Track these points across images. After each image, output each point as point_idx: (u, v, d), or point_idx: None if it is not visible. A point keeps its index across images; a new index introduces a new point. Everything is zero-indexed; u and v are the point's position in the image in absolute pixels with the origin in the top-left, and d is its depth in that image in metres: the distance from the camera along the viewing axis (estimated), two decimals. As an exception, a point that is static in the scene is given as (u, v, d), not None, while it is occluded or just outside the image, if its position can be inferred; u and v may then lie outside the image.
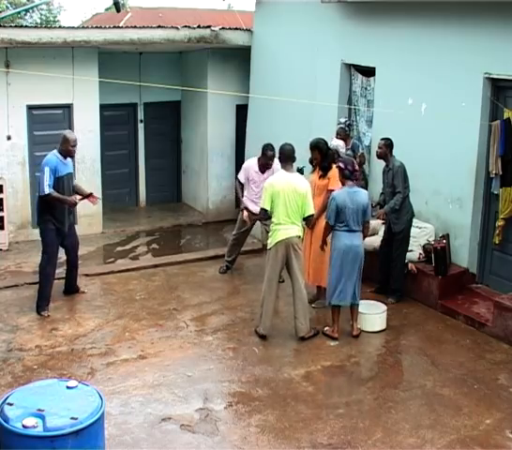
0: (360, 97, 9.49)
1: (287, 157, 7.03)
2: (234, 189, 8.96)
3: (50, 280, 7.77)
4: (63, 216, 7.72)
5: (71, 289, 8.20)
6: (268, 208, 6.92)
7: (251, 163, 8.70)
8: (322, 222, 7.31)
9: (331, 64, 9.65)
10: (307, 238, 7.66)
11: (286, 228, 6.89)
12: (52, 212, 7.63)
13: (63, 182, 7.63)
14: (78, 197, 7.83)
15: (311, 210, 6.99)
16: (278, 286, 7.15)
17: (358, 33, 9.23)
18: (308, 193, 6.93)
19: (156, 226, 12.23)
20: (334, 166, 7.64)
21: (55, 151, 7.67)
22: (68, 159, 7.77)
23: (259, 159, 8.60)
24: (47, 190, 7.44)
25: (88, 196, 8.01)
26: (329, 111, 9.51)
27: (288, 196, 6.84)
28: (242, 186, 8.79)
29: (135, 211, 13.09)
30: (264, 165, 8.54)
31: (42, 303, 7.69)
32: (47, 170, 7.46)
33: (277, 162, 8.36)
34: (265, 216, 7.07)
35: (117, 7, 10.18)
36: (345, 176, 6.97)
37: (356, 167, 7.05)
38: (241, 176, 8.77)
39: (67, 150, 7.63)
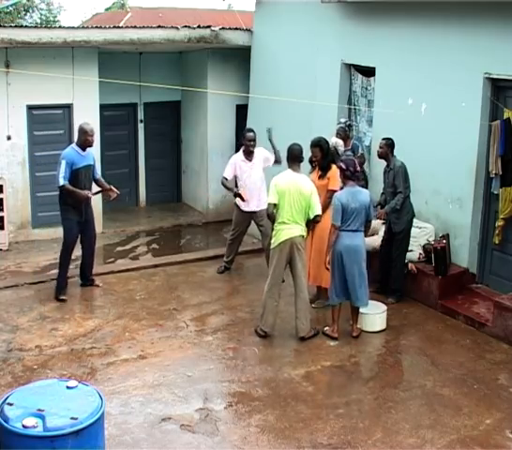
0: (361, 97, 9.49)
1: (294, 157, 7.05)
2: (221, 185, 8.83)
3: (65, 268, 8.10)
4: (80, 206, 7.98)
5: (85, 279, 8.39)
6: (276, 202, 6.90)
7: (236, 156, 8.76)
8: (322, 222, 7.31)
9: (331, 64, 9.65)
10: (308, 238, 7.65)
11: (290, 227, 6.90)
12: (71, 202, 7.91)
13: (81, 174, 7.90)
14: (91, 191, 8.05)
15: (318, 210, 6.97)
16: (281, 285, 7.16)
17: (358, 33, 9.23)
18: (313, 194, 6.93)
19: (156, 226, 12.23)
20: (333, 166, 7.64)
21: (73, 144, 7.99)
22: (87, 152, 8.01)
23: (243, 149, 8.68)
24: (61, 182, 7.77)
25: (107, 190, 8.29)
26: (329, 111, 9.51)
27: (293, 196, 6.86)
28: (227, 181, 8.73)
29: (135, 211, 13.10)
30: (247, 150, 8.59)
31: (61, 288, 8.03)
32: (63, 162, 7.76)
33: (260, 150, 8.62)
34: (272, 211, 6.99)
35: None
36: (346, 176, 6.98)
37: (358, 168, 7.05)
38: (227, 172, 8.69)
39: (86, 140, 7.91)
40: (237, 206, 8.76)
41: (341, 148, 8.38)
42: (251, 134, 8.58)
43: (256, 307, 7.54)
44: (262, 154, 8.63)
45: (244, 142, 8.65)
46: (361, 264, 6.95)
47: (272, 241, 7.05)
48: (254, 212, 8.65)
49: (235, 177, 8.77)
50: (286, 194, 6.85)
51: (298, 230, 6.93)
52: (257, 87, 11.36)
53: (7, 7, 20.46)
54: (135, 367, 6.43)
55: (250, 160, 8.62)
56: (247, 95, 11.26)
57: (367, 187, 8.51)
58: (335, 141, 8.31)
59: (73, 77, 10.38)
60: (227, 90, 11.48)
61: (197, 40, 11.24)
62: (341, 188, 7.32)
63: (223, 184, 8.75)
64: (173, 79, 12.62)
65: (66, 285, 8.13)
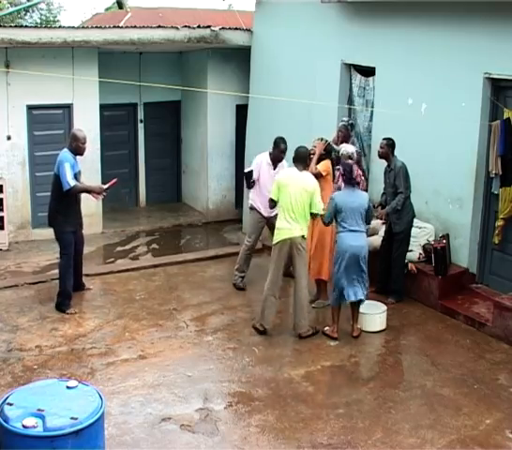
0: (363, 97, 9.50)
1: (301, 158, 7.17)
2: (244, 175, 8.42)
3: (71, 279, 7.82)
4: (77, 215, 7.86)
5: (78, 286, 8.17)
6: (276, 198, 7.04)
7: (263, 157, 8.35)
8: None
9: (331, 64, 9.64)
10: (308, 233, 7.65)
11: (290, 227, 6.94)
12: (69, 212, 7.71)
13: (77, 179, 7.69)
14: (105, 185, 7.90)
15: (318, 209, 6.99)
16: (281, 282, 7.16)
17: (358, 33, 9.22)
18: (315, 191, 6.99)
19: (156, 226, 12.23)
20: (327, 160, 7.72)
21: (66, 149, 7.68)
22: (77, 158, 7.77)
23: (270, 154, 8.30)
24: (72, 183, 7.47)
25: (111, 183, 7.99)
26: (329, 111, 9.51)
27: (295, 193, 6.91)
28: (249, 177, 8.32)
29: (135, 211, 13.10)
30: (277, 158, 8.24)
31: (67, 301, 7.73)
32: (67, 165, 7.48)
33: (285, 164, 8.27)
34: (273, 206, 7.17)
35: (120, 5, 10.26)
36: (344, 181, 7.09)
37: (354, 174, 7.09)
38: (253, 171, 8.31)
39: (78, 148, 7.64)
40: (256, 211, 8.37)
41: (356, 155, 8.40)
42: (285, 145, 8.15)
43: (256, 307, 7.54)
44: (283, 163, 8.31)
45: (275, 150, 8.20)
46: (363, 265, 6.95)
47: (274, 238, 7.08)
48: (272, 217, 8.18)
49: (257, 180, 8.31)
50: (289, 190, 6.92)
51: (298, 230, 6.95)
52: (257, 87, 11.35)
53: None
54: (135, 367, 6.43)
55: (275, 168, 8.25)
56: (247, 95, 11.26)
57: (366, 186, 8.53)
58: (346, 149, 8.21)
59: (73, 77, 10.38)
60: (227, 90, 11.48)
61: (197, 40, 11.24)
62: (340, 189, 7.39)
63: (246, 177, 8.40)
64: (173, 79, 12.62)
65: (71, 296, 7.83)
